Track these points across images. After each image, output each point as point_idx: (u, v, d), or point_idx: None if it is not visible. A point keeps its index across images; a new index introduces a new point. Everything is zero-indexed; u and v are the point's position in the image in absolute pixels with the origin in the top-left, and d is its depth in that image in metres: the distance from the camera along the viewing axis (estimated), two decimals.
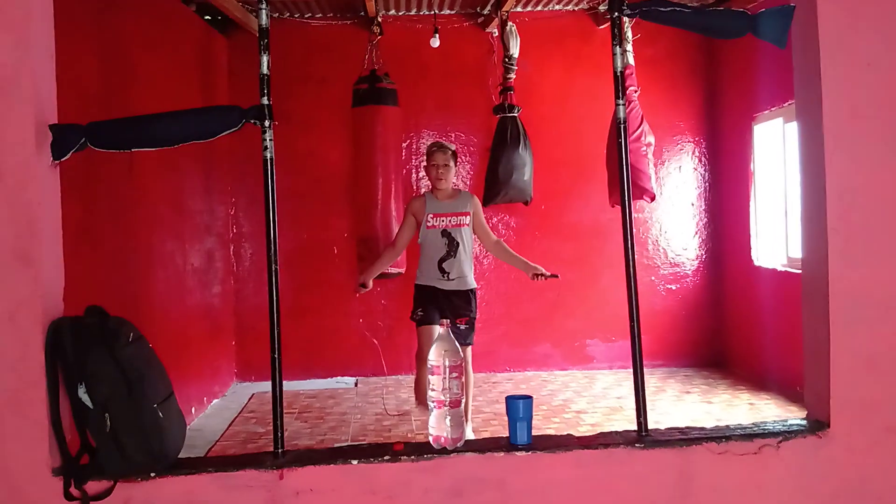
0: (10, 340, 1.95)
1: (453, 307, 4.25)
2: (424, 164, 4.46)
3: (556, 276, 4.16)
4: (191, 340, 5.22)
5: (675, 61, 6.51)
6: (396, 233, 4.47)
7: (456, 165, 4.39)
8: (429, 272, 4.29)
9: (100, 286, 3.64)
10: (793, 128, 5.27)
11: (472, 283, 4.36)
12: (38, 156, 1.99)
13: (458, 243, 4.26)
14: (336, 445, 4.35)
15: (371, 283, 4.40)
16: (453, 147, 4.42)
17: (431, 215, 4.26)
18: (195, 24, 5.59)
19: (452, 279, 4.25)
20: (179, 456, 2.09)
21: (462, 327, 4.19)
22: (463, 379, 2.13)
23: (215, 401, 5.69)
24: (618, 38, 2.26)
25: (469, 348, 4.34)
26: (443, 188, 4.30)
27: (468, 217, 4.29)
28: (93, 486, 1.95)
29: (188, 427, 4.78)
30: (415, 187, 6.39)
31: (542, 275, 4.14)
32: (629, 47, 5.18)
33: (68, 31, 2.92)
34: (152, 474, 1.98)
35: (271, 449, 2.12)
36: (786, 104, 5.33)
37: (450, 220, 4.26)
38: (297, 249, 6.21)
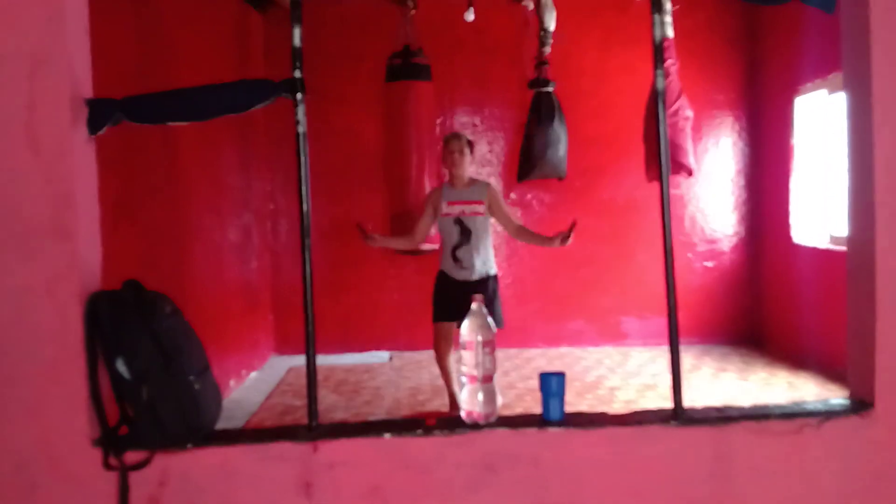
0: (48, 313, 1.98)
1: (465, 298, 4.21)
2: (442, 154, 4.48)
3: (574, 224, 3.94)
4: (229, 314, 5.29)
5: (715, 33, 6.34)
6: (417, 222, 4.52)
7: (472, 154, 4.46)
8: (445, 259, 4.43)
9: (137, 260, 3.69)
10: (837, 100, 5.13)
11: (488, 272, 4.36)
12: (74, 130, 2.01)
13: (470, 231, 4.31)
14: (370, 419, 4.40)
15: (376, 245, 4.41)
16: (469, 137, 4.52)
17: (447, 203, 4.35)
18: (231, 0, 5.59)
19: (465, 268, 4.32)
20: (216, 427, 2.12)
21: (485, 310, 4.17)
22: (495, 354, 2.12)
23: (253, 373, 5.77)
24: (657, 5, 2.20)
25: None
26: (458, 175, 4.36)
27: (482, 206, 4.33)
28: (131, 457, 1.98)
29: (227, 399, 4.88)
30: None
31: (565, 236, 3.96)
32: (668, 19, 5.04)
33: (104, 6, 2.93)
34: (189, 445, 2.00)
35: (307, 422, 2.13)
36: (830, 76, 5.17)
37: (463, 209, 4.32)
38: (333, 225, 6.24)
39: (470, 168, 4.46)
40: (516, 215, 6.41)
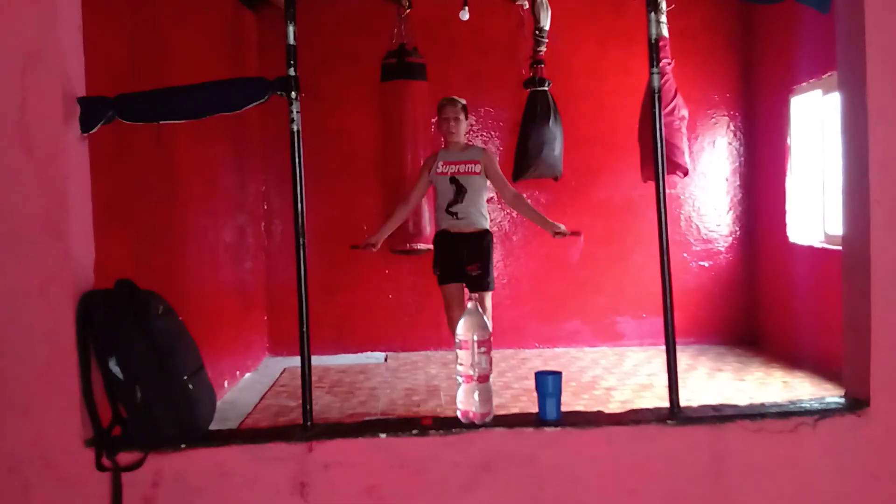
0: (41, 313, 1.97)
1: (463, 256, 4.34)
2: (436, 120, 4.53)
3: (578, 234, 4.29)
4: (223, 315, 5.28)
5: (711, 33, 6.35)
6: (412, 188, 4.60)
7: (467, 119, 4.51)
8: (440, 217, 4.45)
9: (131, 260, 3.68)
10: (832, 99, 5.14)
11: (484, 226, 4.42)
12: (67, 129, 1.99)
13: (465, 189, 4.34)
14: (365, 419, 4.40)
15: (379, 244, 4.47)
16: (463, 101, 4.51)
17: (442, 163, 4.39)
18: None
19: (461, 219, 4.35)
20: (210, 428, 2.11)
21: (474, 274, 4.30)
22: (491, 354, 2.11)
23: (247, 374, 5.75)
24: (652, 4, 2.20)
25: (488, 294, 4.43)
26: (454, 141, 4.41)
27: (479, 166, 4.37)
28: (124, 458, 1.97)
29: (221, 400, 4.86)
30: None
31: (562, 233, 4.21)
32: (663, 18, 5.05)
33: (97, 4, 2.92)
34: (182, 446, 1.99)
35: (301, 422, 2.12)
36: (825, 75, 5.18)
37: (459, 168, 4.36)
38: (328, 227, 6.22)
39: (465, 134, 4.50)
40: (512, 215, 6.41)
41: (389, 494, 2.03)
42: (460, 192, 4.34)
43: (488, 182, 4.46)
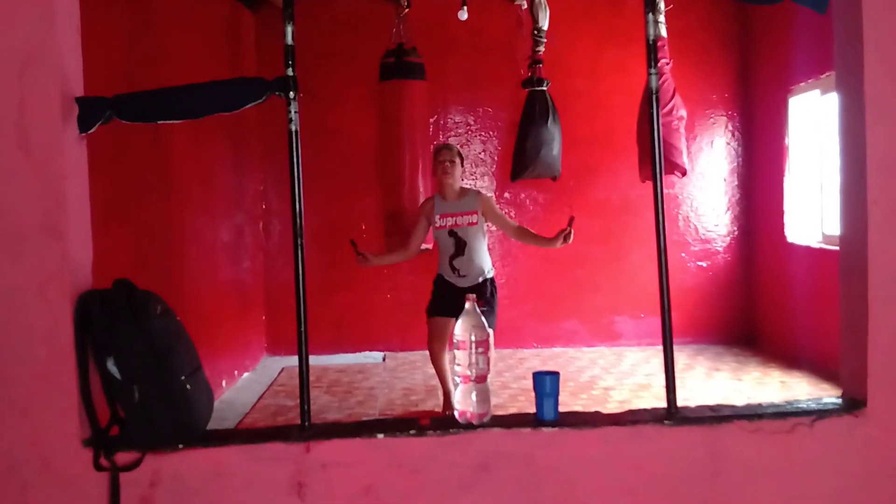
0: (40, 313, 1.97)
1: (462, 302, 4.26)
2: (432, 165, 4.52)
3: (573, 217, 4.04)
4: (221, 315, 5.27)
5: (709, 32, 6.35)
6: (411, 234, 4.55)
7: (462, 165, 4.49)
8: (443, 267, 4.45)
9: (129, 260, 3.68)
10: (830, 100, 5.14)
11: (487, 275, 4.39)
12: (65, 129, 1.99)
13: (465, 242, 4.33)
14: (364, 419, 4.40)
15: (370, 262, 4.38)
16: (459, 147, 4.57)
17: (439, 216, 4.38)
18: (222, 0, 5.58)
19: (463, 276, 4.35)
20: (208, 428, 2.11)
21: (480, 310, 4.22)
22: (489, 354, 2.11)
23: (245, 374, 5.75)
24: (650, 4, 2.20)
25: (490, 332, 4.36)
26: (449, 184, 4.38)
27: (476, 216, 4.35)
28: (122, 458, 1.97)
29: (219, 400, 4.86)
30: None
31: (567, 234, 4.03)
32: (661, 18, 5.05)
33: (95, 4, 2.92)
34: (180, 446, 1.99)
35: (299, 422, 2.12)
36: (823, 76, 5.18)
37: (456, 220, 4.34)
38: (327, 227, 6.22)
39: (460, 179, 4.47)
40: (510, 215, 6.41)
41: (387, 494, 2.03)
42: (460, 244, 4.33)
43: (486, 225, 4.40)
